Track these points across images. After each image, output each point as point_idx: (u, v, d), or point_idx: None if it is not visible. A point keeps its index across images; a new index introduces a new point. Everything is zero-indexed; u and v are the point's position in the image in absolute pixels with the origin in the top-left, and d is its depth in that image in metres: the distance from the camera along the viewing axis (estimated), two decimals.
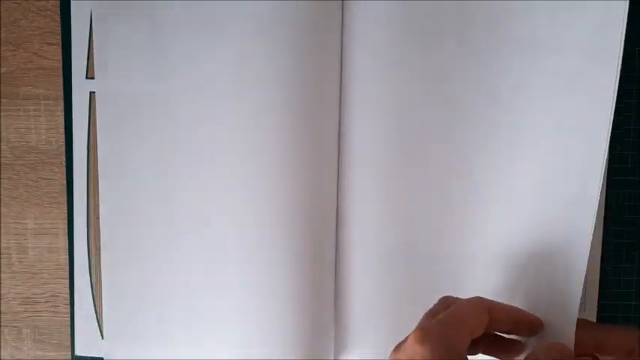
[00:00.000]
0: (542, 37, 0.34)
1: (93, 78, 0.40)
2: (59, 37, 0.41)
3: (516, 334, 0.32)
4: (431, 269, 0.38)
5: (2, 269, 0.44)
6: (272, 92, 0.37)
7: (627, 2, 0.30)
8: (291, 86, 0.37)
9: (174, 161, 0.39)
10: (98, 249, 0.41)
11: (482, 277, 0.36)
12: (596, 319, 0.39)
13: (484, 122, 0.36)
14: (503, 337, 0.32)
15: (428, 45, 0.36)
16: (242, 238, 0.38)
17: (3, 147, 0.43)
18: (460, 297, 0.31)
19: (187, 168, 0.39)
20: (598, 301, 0.40)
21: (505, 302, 0.30)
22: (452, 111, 0.36)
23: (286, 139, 0.37)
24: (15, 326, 0.44)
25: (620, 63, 0.29)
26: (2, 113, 0.43)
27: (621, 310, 0.40)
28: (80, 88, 0.41)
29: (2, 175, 0.43)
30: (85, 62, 0.41)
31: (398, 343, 0.28)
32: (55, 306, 0.43)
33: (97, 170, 0.40)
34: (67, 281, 0.43)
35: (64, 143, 0.42)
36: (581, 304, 0.31)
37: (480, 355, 0.32)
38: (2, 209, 0.43)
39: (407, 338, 0.27)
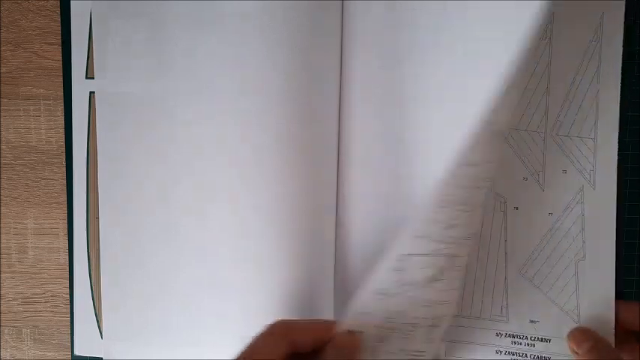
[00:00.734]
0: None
1: (93, 78, 0.40)
2: (59, 37, 0.41)
3: (326, 348, 0.31)
4: None
5: (2, 269, 0.44)
6: (272, 92, 0.37)
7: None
8: (290, 86, 0.37)
9: (174, 161, 0.39)
10: (98, 249, 0.41)
11: None
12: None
13: None
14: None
15: (427, 45, 0.36)
16: (242, 237, 0.38)
17: (3, 147, 0.43)
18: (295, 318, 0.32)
19: (187, 168, 0.39)
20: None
21: None
22: (452, 111, 0.36)
23: (286, 139, 0.37)
24: (15, 326, 0.44)
25: None
26: (2, 113, 0.43)
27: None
28: (80, 88, 0.41)
29: (2, 175, 0.43)
30: (85, 62, 0.41)
31: None
32: (55, 306, 0.43)
33: (96, 170, 0.40)
34: (67, 281, 0.43)
35: (64, 143, 0.42)
36: None
37: None
38: (2, 209, 0.43)
39: None
